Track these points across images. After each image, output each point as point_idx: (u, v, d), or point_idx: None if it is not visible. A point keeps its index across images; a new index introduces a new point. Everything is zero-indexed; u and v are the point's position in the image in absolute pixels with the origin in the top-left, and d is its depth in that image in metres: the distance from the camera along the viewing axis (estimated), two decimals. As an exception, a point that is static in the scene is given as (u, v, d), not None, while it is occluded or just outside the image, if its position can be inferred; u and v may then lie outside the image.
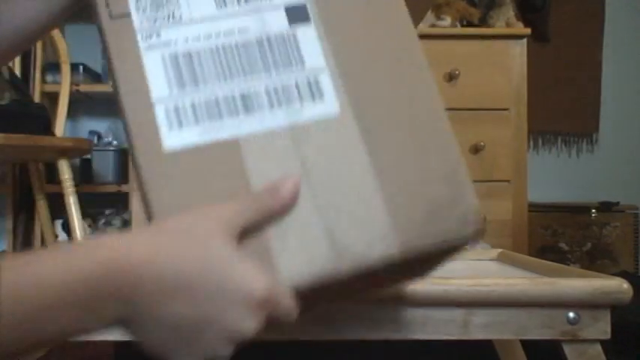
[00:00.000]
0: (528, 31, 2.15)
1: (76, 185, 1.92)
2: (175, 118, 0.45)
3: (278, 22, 0.48)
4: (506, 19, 2.22)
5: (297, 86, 0.47)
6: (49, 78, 2.29)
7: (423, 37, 2.08)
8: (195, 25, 0.47)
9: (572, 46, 2.78)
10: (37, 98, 2.08)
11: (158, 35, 0.46)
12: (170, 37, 0.46)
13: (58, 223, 2.33)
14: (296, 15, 0.48)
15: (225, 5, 0.47)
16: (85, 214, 1.98)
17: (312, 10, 0.48)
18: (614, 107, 2.83)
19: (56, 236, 2.27)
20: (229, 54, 0.47)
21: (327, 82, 0.47)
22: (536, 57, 2.59)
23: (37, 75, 2.17)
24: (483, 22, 2.24)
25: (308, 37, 0.48)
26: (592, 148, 2.84)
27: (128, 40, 0.46)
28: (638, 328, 1.36)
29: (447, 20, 2.16)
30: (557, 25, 2.74)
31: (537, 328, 0.71)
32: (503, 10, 2.23)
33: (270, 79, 0.47)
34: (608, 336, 0.71)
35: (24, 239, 2.35)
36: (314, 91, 0.47)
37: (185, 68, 0.46)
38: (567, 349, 0.72)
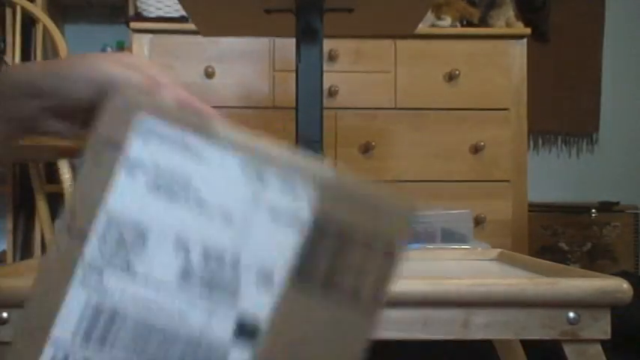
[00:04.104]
0: (528, 31, 2.15)
1: (76, 185, 1.92)
2: None
3: (222, 329, 0.40)
4: (506, 19, 2.22)
5: None
6: (49, 78, 2.29)
7: (423, 37, 2.08)
8: (143, 287, 0.40)
9: (572, 46, 2.78)
10: (37, 98, 2.08)
11: (99, 274, 0.40)
12: (109, 285, 0.40)
13: (58, 223, 2.33)
14: (243, 330, 0.41)
15: (188, 282, 0.40)
16: (85, 214, 1.97)
17: (262, 332, 0.40)
18: (614, 107, 2.83)
19: (56, 236, 2.26)
20: (153, 341, 0.40)
21: None
22: (536, 57, 2.59)
23: (37, 75, 2.17)
24: (483, 22, 2.24)
25: None
26: (592, 148, 2.84)
27: (71, 261, 0.40)
28: (638, 328, 1.36)
29: (447, 20, 2.16)
30: (557, 25, 2.74)
31: (537, 328, 0.71)
32: (503, 10, 2.23)
33: None
34: (608, 336, 0.71)
35: (24, 239, 2.35)
36: None
37: (100, 325, 0.40)
38: (567, 349, 0.72)
